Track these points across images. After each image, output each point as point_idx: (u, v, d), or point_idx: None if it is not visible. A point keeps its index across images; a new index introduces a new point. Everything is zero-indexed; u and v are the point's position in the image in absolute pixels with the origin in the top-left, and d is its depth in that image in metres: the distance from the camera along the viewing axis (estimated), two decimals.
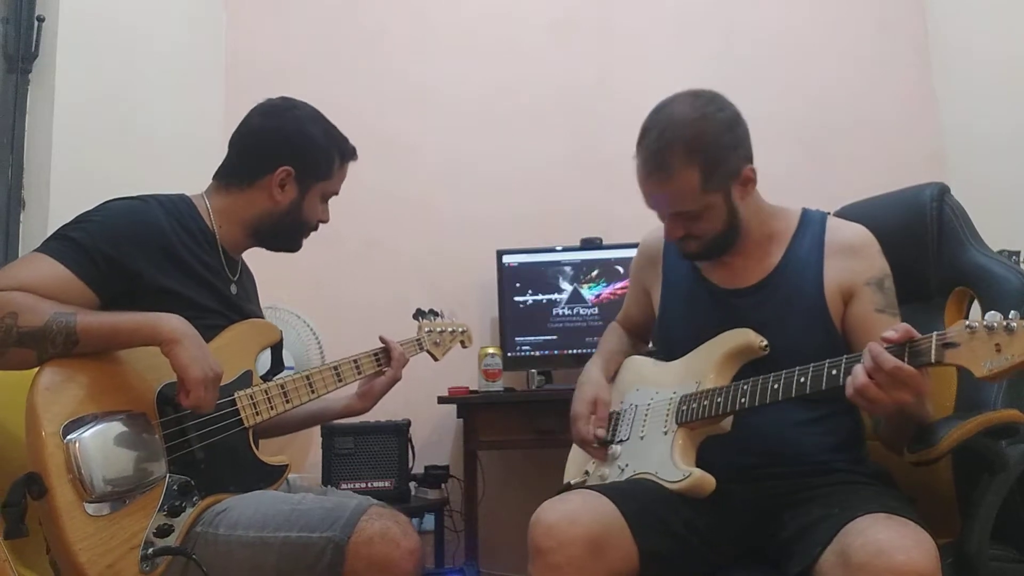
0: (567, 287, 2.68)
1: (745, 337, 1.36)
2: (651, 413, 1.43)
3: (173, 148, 2.57)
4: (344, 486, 2.34)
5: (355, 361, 1.60)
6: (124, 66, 2.43)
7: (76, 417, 1.16)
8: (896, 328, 1.10)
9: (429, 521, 2.55)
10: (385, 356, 1.65)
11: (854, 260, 1.37)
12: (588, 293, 2.68)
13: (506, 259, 2.70)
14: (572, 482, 1.51)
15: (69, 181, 2.13)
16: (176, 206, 1.43)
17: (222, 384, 1.29)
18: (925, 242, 1.54)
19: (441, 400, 2.51)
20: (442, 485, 2.56)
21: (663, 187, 1.35)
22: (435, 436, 2.79)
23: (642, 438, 1.41)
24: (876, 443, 1.40)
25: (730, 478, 1.30)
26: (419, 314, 1.86)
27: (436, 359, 1.87)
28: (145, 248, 1.33)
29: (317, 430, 2.49)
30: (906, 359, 1.07)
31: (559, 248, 2.72)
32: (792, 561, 1.17)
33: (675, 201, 1.37)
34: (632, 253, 2.60)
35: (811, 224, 1.44)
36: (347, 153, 1.57)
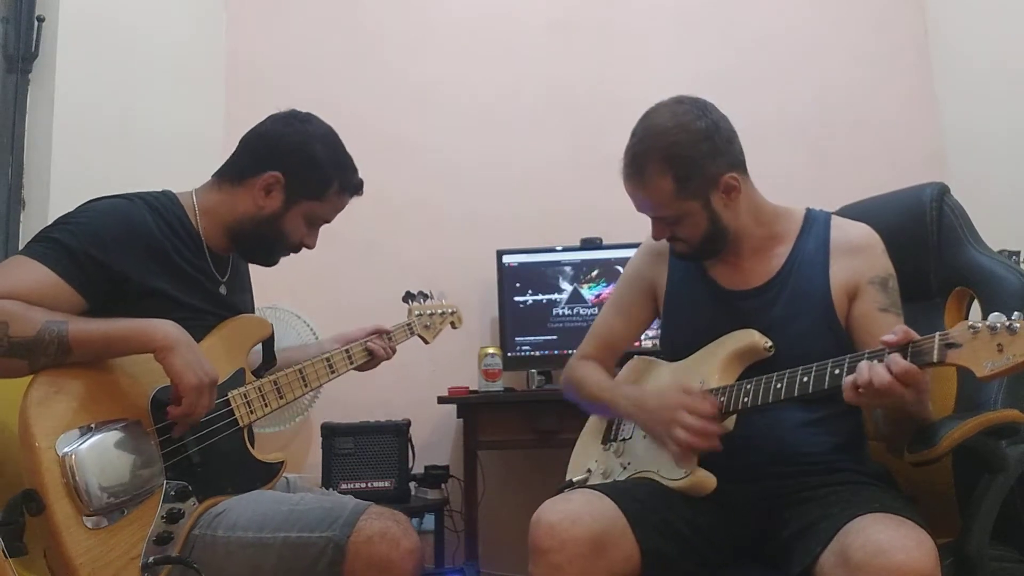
0: (567, 287, 2.68)
1: (750, 338, 1.36)
2: None
3: (173, 148, 2.57)
4: (344, 486, 2.34)
5: (347, 351, 1.62)
6: (124, 66, 2.43)
7: (70, 429, 1.14)
8: (895, 331, 1.10)
9: (429, 521, 2.55)
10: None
11: (859, 259, 1.38)
12: (588, 293, 2.68)
13: (506, 259, 2.70)
14: (575, 479, 1.51)
15: (69, 181, 2.13)
16: (162, 204, 1.39)
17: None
18: (925, 242, 1.54)
19: (441, 400, 2.51)
20: (442, 485, 2.55)
21: (639, 192, 1.39)
22: (435, 436, 2.79)
23: (645, 437, 1.41)
24: (874, 443, 1.40)
25: (731, 477, 1.30)
26: (408, 297, 1.87)
27: (427, 342, 1.88)
28: (132, 249, 1.30)
29: (317, 430, 2.49)
30: (908, 358, 1.07)
31: (559, 248, 2.72)
32: (792, 561, 1.17)
33: (653, 206, 1.39)
34: (632, 253, 2.63)
35: (815, 224, 1.44)
36: (348, 183, 1.49)
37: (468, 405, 2.50)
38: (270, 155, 1.43)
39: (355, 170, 1.52)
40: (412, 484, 2.50)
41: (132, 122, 2.43)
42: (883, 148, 2.84)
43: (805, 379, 1.21)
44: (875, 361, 1.10)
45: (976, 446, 1.21)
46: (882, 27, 2.92)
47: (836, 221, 1.45)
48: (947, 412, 1.38)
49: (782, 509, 1.28)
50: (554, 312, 2.67)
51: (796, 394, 1.21)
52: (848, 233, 1.42)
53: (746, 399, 1.27)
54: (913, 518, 1.12)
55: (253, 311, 1.62)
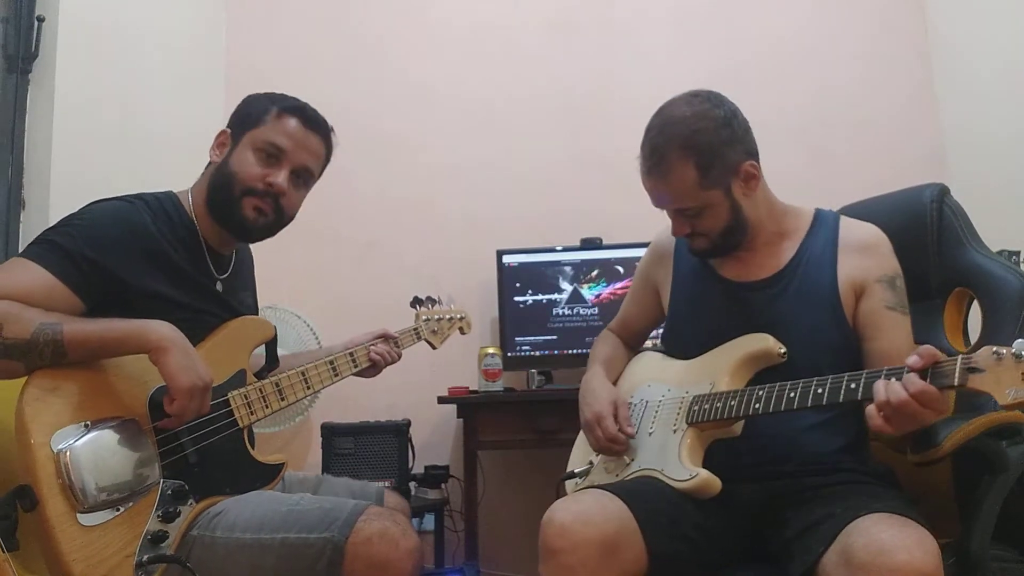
0: (567, 287, 2.68)
1: (764, 343, 1.35)
2: (661, 410, 1.43)
3: (173, 148, 2.56)
4: None
5: (351, 354, 1.61)
6: (124, 66, 2.42)
7: (66, 426, 1.14)
8: (920, 353, 1.08)
9: (429, 521, 2.55)
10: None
11: (867, 258, 1.38)
12: (588, 293, 2.68)
13: (506, 259, 2.70)
14: (576, 470, 1.52)
15: (69, 181, 2.13)
16: (162, 205, 1.40)
17: (216, 384, 1.28)
18: (925, 243, 1.54)
19: (441, 400, 2.50)
20: (442, 485, 2.56)
21: (662, 184, 1.37)
22: (435, 436, 2.79)
23: (650, 434, 1.41)
24: (876, 443, 1.40)
25: (735, 477, 1.30)
26: (416, 302, 1.87)
27: (434, 347, 1.88)
28: (129, 251, 1.30)
29: (317, 430, 2.49)
30: (928, 380, 1.06)
31: (559, 248, 2.72)
32: (794, 560, 1.17)
33: (675, 198, 1.38)
34: (632, 253, 2.64)
35: (824, 223, 1.45)
36: (287, 106, 1.44)
37: (468, 405, 2.50)
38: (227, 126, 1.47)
39: (295, 99, 1.47)
40: (412, 484, 2.50)
41: (132, 122, 2.43)
42: (883, 148, 2.83)
43: (820, 391, 1.19)
44: (892, 379, 1.09)
45: (978, 447, 1.21)
46: (882, 27, 2.92)
47: (845, 221, 1.45)
48: (947, 413, 1.38)
49: (784, 509, 1.28)
50: (554, 312, 2.67)
51: (810, 405, 1.20)
52: (856, 232, 1.42)
53: (757, 406, 1.27)
54: (916, 518, 1.12)
55: (256, 311, 1.61)
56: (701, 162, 1.33)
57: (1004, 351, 1.00)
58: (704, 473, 1.27)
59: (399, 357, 1.72)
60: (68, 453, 1.12)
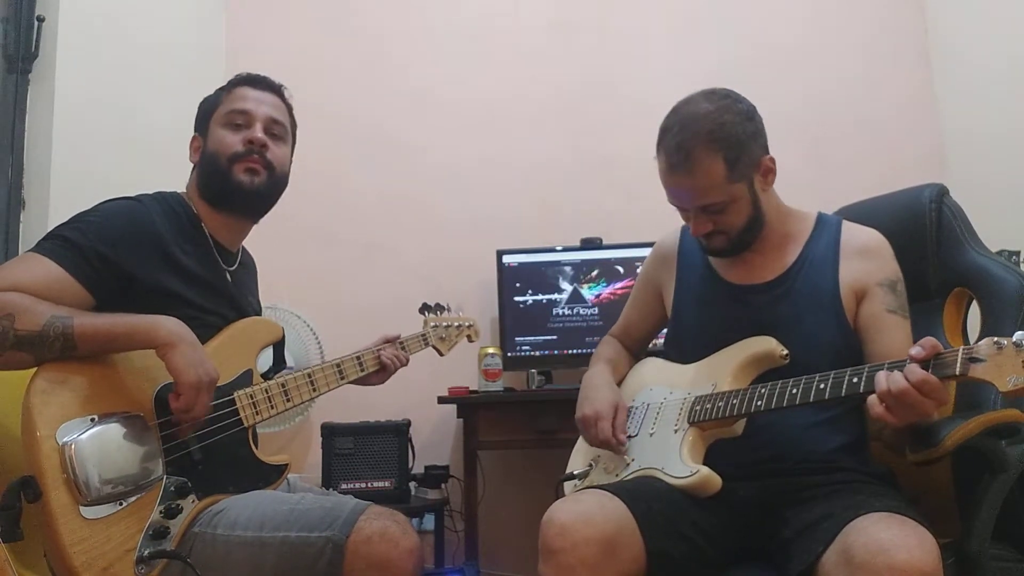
0: (567, 287, 2.68)
1: (767, 345, 1.36)
2: (663, 411, 1.43)
3: (173, 148, 2.55)
4: (344, 486, 2.34)
5: (358, 358, 1.61)
6: (124, 66, 2.42)
7: (72, 420, 1.15)
8: (923, 344, 1.09)
9: (429, 521, 2.55)
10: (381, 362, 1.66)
11: (868, 262, 1.39)
12: (588, 293, 2.68)
13: (506, 259, 2.70)
14: (576, 471, 1.52)
15: (69, 181, 2.13)
16: (170, 204, 1.43)
17: (222, 384, 1.28)
18: (924, 243, 1.54)
19: (441, 400, 2.50)
20: (442, 485, 2.56)
21: (688, 181, 1.36)
22: (435, 436, 2.79)
23: (652, 435, 1.42)
24: (876, 444, 1.40)
25: (735, 476, 1.30)
26: (425, 308, 1.87)
27: (442, 354, 1.88)
28: (140, 249, 1.32)
29: (317, 430, 2.49)
30: (930, 370, 1.07)
31: (559, 248, 2.72)
32: (794, 560, 1.17)
33: (701, 194, 1.37)
34: (632, 253, 2.64)
35: (827, 227, 1.46)
36: (234, 81, 1.57)
37: (468, 405, 2.50)
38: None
39: (240, 73, 1.58)
40: (412, 484, 2.50)
41: (132, 122, 2.43)
42: (883, 148, 2.84)
43: (822, 386, 1.20)
44: (894, 371, 1.10)
45: (977, 446, 1.21)
46: (882, 27, 2.92)
47: (847, 225, 1.46)
48: (947, 412, 1.38)
49: (784, 508, 1.28)
50: (554, 312, 2.67)
51: (812, 400, 1.21)
52: (858, 236, 1.43)
53: (759, 402, 1.27)
54: (916, 518, 1.12)
55: (260, 314, 1.62)
56: (729, 155, 1.33)
57: (1005, 341, 1.02)
58: (704, 470, 1.27)
59: (407, 361, 1.72)
60: (73, 446, 1.12)
